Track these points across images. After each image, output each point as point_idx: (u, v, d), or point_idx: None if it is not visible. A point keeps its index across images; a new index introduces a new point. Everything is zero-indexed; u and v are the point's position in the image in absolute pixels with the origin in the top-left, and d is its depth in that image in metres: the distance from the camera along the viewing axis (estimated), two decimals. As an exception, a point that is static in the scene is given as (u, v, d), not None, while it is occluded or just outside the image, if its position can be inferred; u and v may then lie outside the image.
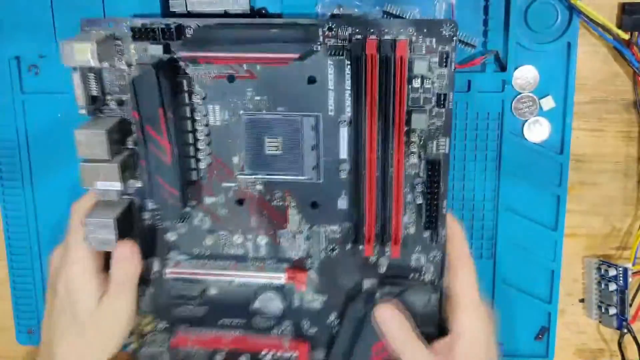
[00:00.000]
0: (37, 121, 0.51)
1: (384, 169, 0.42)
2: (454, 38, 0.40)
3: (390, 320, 0.44)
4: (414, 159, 0.43)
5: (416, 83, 0.41)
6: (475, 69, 0.49)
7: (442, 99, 0.42)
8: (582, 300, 0.54)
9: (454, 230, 0.44)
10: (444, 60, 0.41)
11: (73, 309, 0.45)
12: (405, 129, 0.41)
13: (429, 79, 0.41)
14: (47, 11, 0.49)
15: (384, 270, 0.46)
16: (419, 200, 0.44)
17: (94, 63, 0.40)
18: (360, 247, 0.45)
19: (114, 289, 0.45)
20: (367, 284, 0.46)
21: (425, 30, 0.40)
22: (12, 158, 0.52)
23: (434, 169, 0.43)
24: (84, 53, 0.40)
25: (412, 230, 0.45)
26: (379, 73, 0.40)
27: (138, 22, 0.42)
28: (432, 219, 0.44)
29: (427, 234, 0.45)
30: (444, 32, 0.40)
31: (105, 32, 0.42)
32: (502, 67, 0.49)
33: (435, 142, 0.43)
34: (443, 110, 0.42)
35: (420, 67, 0.41)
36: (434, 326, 0.45)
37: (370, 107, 0.40)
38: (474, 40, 0.48)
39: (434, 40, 0.41)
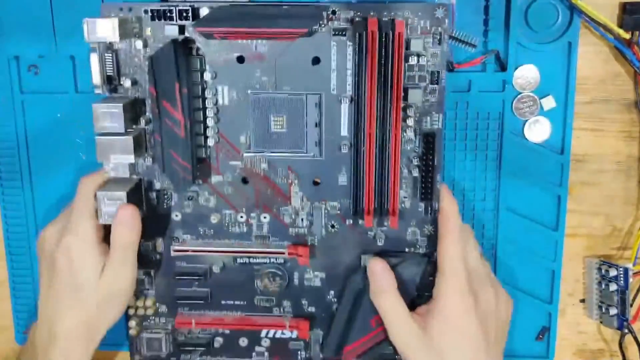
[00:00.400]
0: (37, 121, 0.51)
1: (382, 143, 0.45)
2: (446, 20, 0.44)
3: (381, 273, 0.45)
4: (410, 133, 0.46)
5: (412, 60, 0.44)
6: (475, 69, 0.49)
7: (435, 76, 0.45)
8: (582, 301, 0.54)
9: (447, 201, 0.46)
10: (438, 40, 0.44)
11: (75, 281, 0.45)
12: (402, 105, 0.44)
13: (424, 56, 0.44)
14: (47, 11, 0.49)
15: (382, 243, 0.48)
16: (415, 173, 0.46)
17: (115, 38, 0.42)
18: (360, 221, 0.47)
19: (116, 255, 0.45)
20: (366, 259, 0.48)
21: (419, 13, 0.44)
22: (12, 158, 0.52)
23: (429, 142, 0.46)
24: (107, 28, 0.42)
25: (407, 204, 0.47)
26: (378, 50, 0.43)
27: (156, 5, 0.44)
28: (427, 191, 0.46)
29: (422, 207, 0.47)
30: (437, 15, 0.44)
31: (125, 15, 0.44)
32: (503, 67, 0.49)
33: (429, 118, 0.45)
34: (436, 87, 0.45)
35: (416, 45, 0.44)
36: (429, 296, 0.47)
37: (370, 83, 0.44)
38: (475, 40, 0.47)
39: (428, 22, 0.44)
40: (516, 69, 0.49)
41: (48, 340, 0.45)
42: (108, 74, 0.45)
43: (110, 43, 0.45)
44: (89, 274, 0.45)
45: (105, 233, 0.46)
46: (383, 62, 0.43)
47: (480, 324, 0.44)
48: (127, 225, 0.45)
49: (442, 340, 0.44)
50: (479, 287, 0.44)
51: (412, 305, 0.46)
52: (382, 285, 0.45)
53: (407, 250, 0.48)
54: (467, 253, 0.45)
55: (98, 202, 0.44)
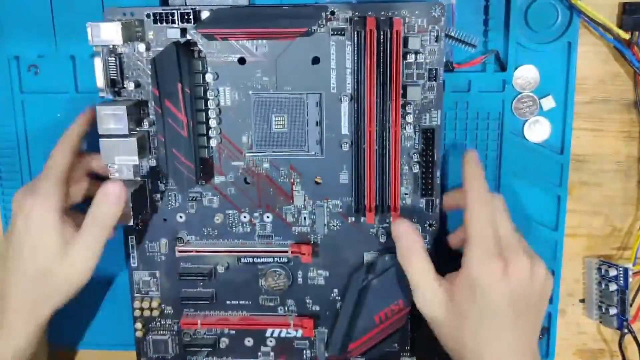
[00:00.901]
0: (37, 121, 0.51)
1: (382, 141, 0.46)
2: (442, 18, 0.45)
3: (407, 234, 0.44)
4: (409, 130, 0.47)
5: (410, 58, 0.45)
6: (475, 69, 0.49)
7: (433, 73, 0.46)
8: (582, 301, 0.54)
9: (472, 165, 0.44)
10: (435, 37, 0.45)
11: (33, 252, 0.43)
12: (401, 102, 0.45)
13: (422, 54, 0.45)
14: (47, 11, 0.49)
15: (384, 240, 0.49)
16: (415, 169, 0.47)
17: (119, 42, 0.44)
18: (362, 218, 0.48)
19: (89, 229, 0.44)
20: (368, 256, 0.49)
21: (417, 12, 0.45)
22: (12, 158, 0.52)
23: (428, 138, 0.46)
24: (110, 32, 0.43)
25: (408, 201, 0.48)
26: (377, 48, 0.44)
27: (158, 9, 0.45)
28: (427, 187, 0.47)
29: (423, 203, 0.48)
30: (433, 13, 0.45)
31: (127, 19, 0.45)
32: (503, 67, 0.49)
33: (428, 114, 0.46)
34: (435, 84, 0.46)
35: (414, 43, 0.45)
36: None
37: (369, 81, 0.45)
38: (474, 40, 0.48)
39: (425, 20, 0.45)
40: (516, 69, 0.49)
41: None
42: (112, 77, 0.46)
43: (113, 46, 0.45)
44: (49, 248, 0.43)
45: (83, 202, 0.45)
46: (382, 60, 0.44)
47: (510, 294, 0.41)
48: (112, 200, 0.44)
49: (467, 308, 0.41)
50: (511, 255, 0.41)
51: (413, 303, 0.46)
52: (410, 248, 0.44)
53: None
54: (498, 221, 0.43)
55: (98, 118, 0.44)
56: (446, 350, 0.44)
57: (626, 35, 0.47)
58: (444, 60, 0.46)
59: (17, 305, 0.45)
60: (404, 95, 0.45)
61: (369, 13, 0.45)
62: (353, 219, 0.48)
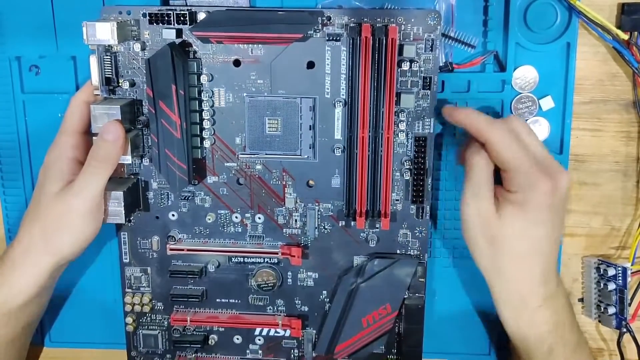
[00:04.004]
0: (38, 121, 0.52)
1: (374, 147, 0.46)
2: (438, 27, 0.45)
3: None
4: (402, 137, 0.47)
5: (405, 66, 0.45)
6: (475, 69, 0.49)
7: (427, 81, 0.46)
8: (581, 300, 0.54)
9: (463, 111, 0.45)
10: (430, 46, 0.45)
11: (39, 193, 0.46)
12: (395, 109, 0.45)
13: (417, 62, 0.45)
14: (48, 12, 0.50)
15: (374, 244, 0.49)
16: (407, 176, 0.48)
17: (114, 41, 0.44)
18: (353, 222, 0.48)
19: (89, 167, 0.44)
20: (358, 260, 0.49)
21: (413, 20, 0.45)
22: (13, 158, 0.52)
23: (420, 145, 0.47)
24: (105, 31, 0.44)
25: (399, 207, 0.48)
26: (372, 55, 0.44)
27: (154, 9, 0.46)
28: (418, 193, 0.48)
29: (413, 210, 0.48)
30: (429, 21, 0.45)
31: (123, 19, 0.46)
32: (502, 68, 0.49)
33: (421, 122, 0.47)
34: (429, 92, 0.46)
35: (409, 50, 0.45)
36: (420, 297, 0.49)
37: (363, 87, 0.45)
38: (474, 41, 0.48)
39: (420, 28, 0.45)
40: (515, 69, 0.49)
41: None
42: (107, 75, 0.46)
43: (109, 46, 0.46)
44: (50, 188, 0.45)
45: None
46: (376, 67, 0.44)
47: (556, 206, 0.43)
48: (113, 138, 0.44)
49: (517, 226, 0.43)
50: (552, 171, 0.43)
51: (401, 306, 0.48)
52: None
53: (398, 252, 0.49)
54: (525, 140, 0.43)
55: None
56: (480, 268, 0.46)
57: (625, 36, 0.47)
58: (444, 62, 0.46)
59: (24, 247, 0.46)
60: (398, 103, 0.46)
61: (365, 19, 0.45)
62: (344, 222, 0.49)
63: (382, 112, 0.45)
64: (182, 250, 0.49)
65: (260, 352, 0.52)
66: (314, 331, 0.51)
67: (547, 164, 0.43)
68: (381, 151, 0.46)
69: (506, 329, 0.47)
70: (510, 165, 0.43)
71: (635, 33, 0.48)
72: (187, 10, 0.45)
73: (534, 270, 0.45)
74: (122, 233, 0.50)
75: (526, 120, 0.50)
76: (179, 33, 0.46)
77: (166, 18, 0.45)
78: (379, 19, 0.45)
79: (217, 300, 0.51)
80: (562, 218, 0.45)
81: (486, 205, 0.44)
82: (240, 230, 0.50)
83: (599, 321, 0.53)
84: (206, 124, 0.47)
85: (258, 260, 0.50)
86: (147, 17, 0.45)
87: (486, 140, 0.43)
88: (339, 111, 0.46)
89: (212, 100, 0.47)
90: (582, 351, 0.47)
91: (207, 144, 0.48)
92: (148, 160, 0.48)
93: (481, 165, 0.44)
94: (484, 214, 0.44)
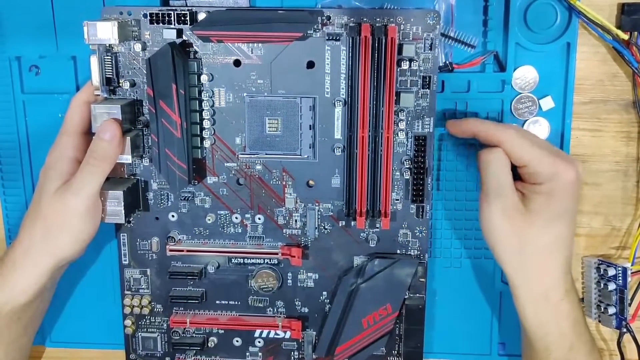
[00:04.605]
0: (38, 121, 0.52)
1: (374, 146, 0.46)
2: (437, 26, 0.45)
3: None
4: (402, 136, 0.47)
5: (404, 65, 0.45)
6: (475, 69, 0.49)
7: (427, 80, 0.46)
8: (581, 300, 0.54)
9: (471, 122, 0.46)
10: (429, 45, 0.45)
11: (39, 194, 0.46)
12: (394, 108, 0.46)
13: (416, 61, 0.46)
14: (48, 12, 0.50)
15: (374, 244, 0.49)
16: (407, 176, 0.48)
17: (115, 41, 0.44)
18: (353, 222, 0.48)
19: (87, 167, 0.44)
20: (358, 260, 0.49)
21: (412, 19, 0.45)
22: (13, 158, 0.52)
23: (420, 144, 0.47)
24: (107, 31, 0.44)
25: (399, 207, 0.48)
26: (371, 54, 0.44)
27: (155, 9, 0.46)
28: (418, 193, 0.48)
29: (413, 209, 0.48)
30: (428, 21, 0.45)
31: (124, 19, 0.46)
32: (502, 68, 0.49)
33: (421, 121, 0.47)
34: (428, 91, 0.46)
35: (408, 50, 0.45)
36: (421, 297, 0.49)
37: (363, 87, 0.45)
38: (474, 41, 0.48)
39: (420, 27, 0.45)
40: (515, 69, 0.49)
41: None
42: (107, 75, 0.46)
43: (109, 45, 0.46)
44: (48, 188, 0.45)
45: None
46: (376, 66, 0.45)
47: (576, 201, 0.45)
48: (107, 139, 0.44)
49: (538, 221, 0.44)
50: (565, 160, 0.44)
51: (401, 307, 0.48)
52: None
53: (398, 251, 0.49)
54: (534, 140, 0.45)
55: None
56: (503, 265, 0.46)
57: (625, 36, 0.47)
58: (444, 62, 0.46)
59: (25, 247, 0.46)
60: (397, 102, 0.46)
61: (364, 19, 0.45)
62: (344, 222, 0.49)
63: (382, 111, 0.45)
64: (182, 251, 0.49)
65: (260, 354, 0.52)
66: (314, 332, 0.51)
67: (562, 155, 0.45)
68: (381, 151, 0.46)
69: (526, 327, 0.46)
70: (530, 158, 0.44)
71: (635, 33, 0.48)
72: (188, 10, 0.45)
73: (558, 261, 0.45)
74: (121, 234, 0.50)
75: (526, 120, 0.50)
76: (180, 33, 0.46)
77: (167, 18, 0.45)
78: (378, 19, 0.45)
79: (217, 301, 0.51)
80: (577, 208, 0.46)
81: (510, 201, 0.44)
82: (240, 231, 0.50)
83: (599, 321, 0.53)
84: (206, 124, 0.47)
85: (258, 261, 0.50)
86: (148, 18, 0.45)
87: (500, 140, 0.44)
88: (338, 111, 0.47)
89: (212, 100, 0.47)
90: (596, 349, 0.47)
91: (207, 144, 0.48)
92: (148, 160, 0.48)
93: (499, 162, 0.45)
94: (509, 210, 0.44)
